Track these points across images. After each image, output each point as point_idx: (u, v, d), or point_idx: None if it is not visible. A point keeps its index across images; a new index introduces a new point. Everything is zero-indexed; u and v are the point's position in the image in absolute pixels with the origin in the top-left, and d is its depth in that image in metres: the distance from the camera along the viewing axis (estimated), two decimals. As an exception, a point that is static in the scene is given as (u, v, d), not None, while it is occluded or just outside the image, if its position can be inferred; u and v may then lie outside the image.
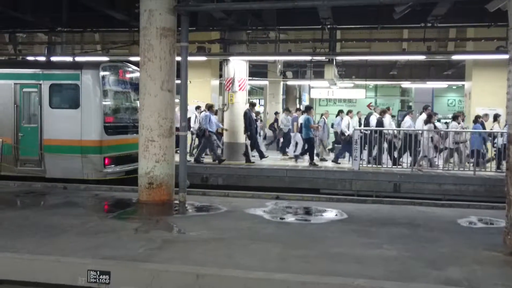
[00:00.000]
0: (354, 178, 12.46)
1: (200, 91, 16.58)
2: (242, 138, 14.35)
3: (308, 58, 17.90)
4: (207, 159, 14.45)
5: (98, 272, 4.85)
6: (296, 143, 15.82)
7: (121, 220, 7.34)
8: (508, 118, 5.82)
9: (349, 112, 15.51)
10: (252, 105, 15.40)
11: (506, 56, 6.15)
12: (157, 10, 8.30)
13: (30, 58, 17.33)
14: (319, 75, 20.57)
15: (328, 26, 13.49)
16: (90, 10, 12.87)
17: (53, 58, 14.47)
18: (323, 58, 16.32)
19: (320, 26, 13.58)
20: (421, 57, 16.59)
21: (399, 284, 4.59)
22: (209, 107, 14.11)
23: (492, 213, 8.05)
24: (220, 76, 17.17)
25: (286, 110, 19.12)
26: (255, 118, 15.11)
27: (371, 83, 27.22)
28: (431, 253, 5.64)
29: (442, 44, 18.24)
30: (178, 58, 8.68)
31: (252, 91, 32.45)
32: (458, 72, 21.12)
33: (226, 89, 14.71)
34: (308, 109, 14.82)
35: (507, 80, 5.78)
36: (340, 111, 16.57)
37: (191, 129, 14.99)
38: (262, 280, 4.71)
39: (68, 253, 5.34)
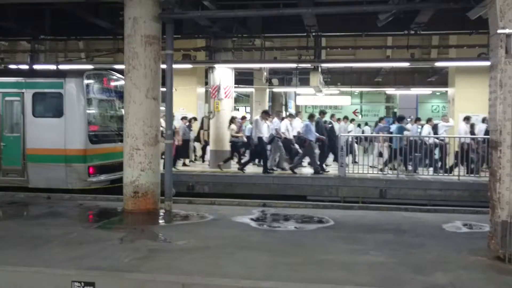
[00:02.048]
0: (340, 184, 12.49)
1: (186, 98, 16.55)
2: (228, 145, 14.29)
3: (294, 65, 18.00)
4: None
5: (82, 283, 4.78)
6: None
7: (106, 229, 7.24)
8: (491, 124, 5.90)
9: (428, 120, 14.36)
10: (323, 113, 15.19)
11: (488, 63, 6.25)
12: (141, 18, 8.27)
13: (12, 66, 17.11)
14: (305, 82, 20.68)
15: (313, 34, 13.60)
16: (73, 18, 12.79)
17: (36, 67, 14.31)
18: (308, 65, 16.42)
19: (305, 34, 13.69)
20: (405, 64, 16.79)
21: (386, 290, 4.60)
22: (310, 116, 13.89)
23: (477, 218, 8.12)
24: (206, 83, 17.16)
25: (345, 118, 18.49)
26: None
27: (356, 89, 27.48)
28: (417, 259, 5.66)
29: (426, 51, 18.48)
30: (163, 66, 8.65)
31: (239, 99, 32.48)
32: (441, 78, 21.41)
33: (212, 97, 14.69)
34: (401, 119, 14.30)
35: (489, 87, 5.86)
36: (418, 119, 15.39)
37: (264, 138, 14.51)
38: (249, 288, 4.68)
39: (52, 264, 5.24)
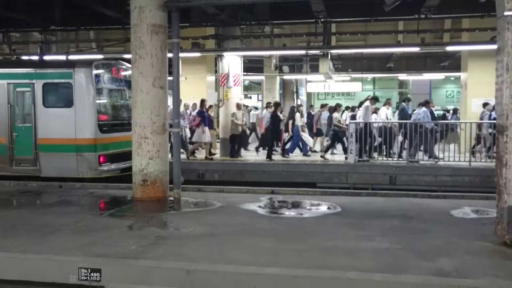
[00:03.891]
0: (350, 171, 12.46)
1: (196, 87, 16.57)
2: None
3: (303, 52, 17.87)
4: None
5: (89, 269, 4.86)
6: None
7: (115, 217, 7.35)
8: (497, 108, 5.82)
9: (485, 104, 13.68)
10: (408, 100, 14.88)
11: (497, 46, 6.12)
12: (147, 7, 8.28)
13: (23, 57, 17.31)
14: (315, 68, 20.54)
15: (322, 20, 13.46)
16: (82, 8, 12.86)
17: (46, 57, 14.42)
18: (317, 51, 16.30)
19: (313, 20, 13.56)
20: (416, 49, 16.55)
21: (389, 276, 4.60)
22: (426, 103, 13.61)
23: (486, 203, 8.03)
24: (216, 72, 17.15)
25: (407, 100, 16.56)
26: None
27: (368, 76, 27.22)
28: (423, 245, 5.64)
29: (438, 35, 18.18)
30: (170, 55, 8.67)
31: (250, 86, 32.43)
32: (454, 63, 21.10)
33: (221, 85, 14.69)
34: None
35: (495, 71, 5.77)
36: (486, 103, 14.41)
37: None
38: (253, 274, 4.72)
39: (60, 251, 5.34)
